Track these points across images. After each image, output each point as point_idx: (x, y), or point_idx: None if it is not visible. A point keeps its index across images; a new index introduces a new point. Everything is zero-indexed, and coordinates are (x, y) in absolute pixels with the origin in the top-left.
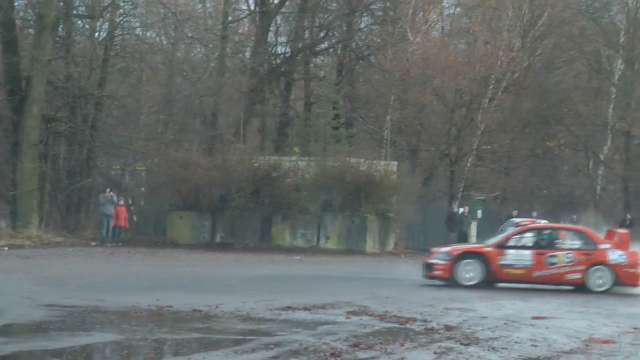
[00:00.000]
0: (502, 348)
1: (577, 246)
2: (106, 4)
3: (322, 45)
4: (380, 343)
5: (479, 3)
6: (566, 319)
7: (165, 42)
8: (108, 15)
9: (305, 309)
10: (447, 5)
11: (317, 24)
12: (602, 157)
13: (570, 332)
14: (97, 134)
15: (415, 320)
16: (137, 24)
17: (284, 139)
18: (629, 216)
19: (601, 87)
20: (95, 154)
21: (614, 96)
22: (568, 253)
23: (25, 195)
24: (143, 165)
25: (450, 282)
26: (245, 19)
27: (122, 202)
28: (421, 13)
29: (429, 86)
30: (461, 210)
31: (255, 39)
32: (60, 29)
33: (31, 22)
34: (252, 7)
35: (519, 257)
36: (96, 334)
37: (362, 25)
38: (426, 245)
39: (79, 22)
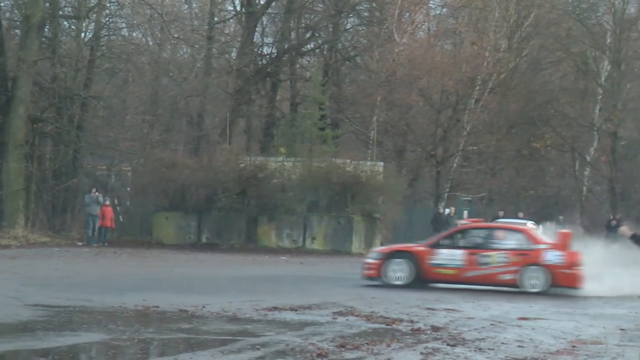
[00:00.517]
0: (489, 349)
1: (512, 246)
2: (92, 5)
3: (308, 46)
4: (367, 343)
5: (465, 4)
6: (552, 320)
7: (151, 43)
8: (94, 15)
9: (292, 309)
10: (433, 6)
11: (303, 24)
12: (588, 158)
13: (556, 333)
14: (83, 134)
15: (401, 320)
16: (123, 25)
17: (270, 139)
18: (617, 216)
19: (588, 88)
20: (81, 154)
21: (600, 97)
22: (502, 253)
23: (11, 196)
24: (129, 166)
25: (380, 281)
26: (231, 20)
27: (108, 203)
28: (407, 14)
29: (415, 87)
30: (447, 210)
31: (242, 40)
32: (46, 29)
33: (17, 23)
34: (238, 8)
35: (450, 257)
36: (83, 334)
37: (348, 26)
38: None
39: (65, 22)
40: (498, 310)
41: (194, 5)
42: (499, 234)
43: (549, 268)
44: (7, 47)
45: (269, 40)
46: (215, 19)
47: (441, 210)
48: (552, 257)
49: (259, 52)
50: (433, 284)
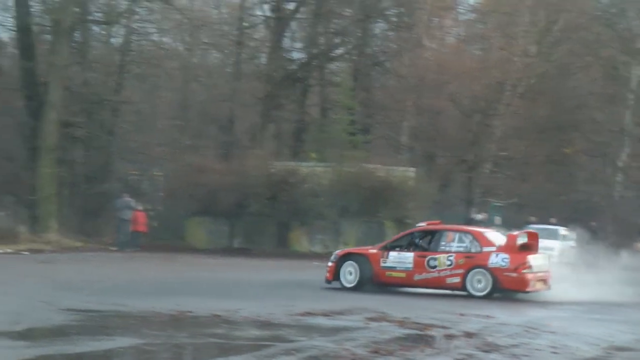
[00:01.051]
0: (523, 355)
1: (460, 249)
2: (122, 10)
3: (337, 51)
4: (401, 349)
5: (493, 9)
6: (584, 326)
7: (181, 48)
8: (124, 21)
9: (324, 314)
10: (462, 11)
11: (332, 29)
12: (619, 163)
13: (589, 339)
14: (114, 139)
15: (434, 326)
16: (153, 30)
17: (301, 144)
18: None
19: (617, 93)
20: (112, 159)
21: (631, 102)
22: (450, 256)
23: (44, 200)
24: (160, 171)
25: (335, 283)
26: (260, 25)
27: (140, 207)
28: (436, 19)
29: (445, 92)
30: (478, 217)
31: (271, 45)
32: (76, 34)
33: (48, 28)
34: (267, 13)
35: (400, 260)
36: (117, 339)
37: (377, 31)
38: None
39: (95, 27)
40: (531, 316)
41: (223, 10)
42: (449, 236)
43: (494, 271)
44: (38, 52)
45: (298, 45)
46: (245, 24)
47: (472, 216)
48: (498, 260)
49: (288, 57)
50: (393, 289)
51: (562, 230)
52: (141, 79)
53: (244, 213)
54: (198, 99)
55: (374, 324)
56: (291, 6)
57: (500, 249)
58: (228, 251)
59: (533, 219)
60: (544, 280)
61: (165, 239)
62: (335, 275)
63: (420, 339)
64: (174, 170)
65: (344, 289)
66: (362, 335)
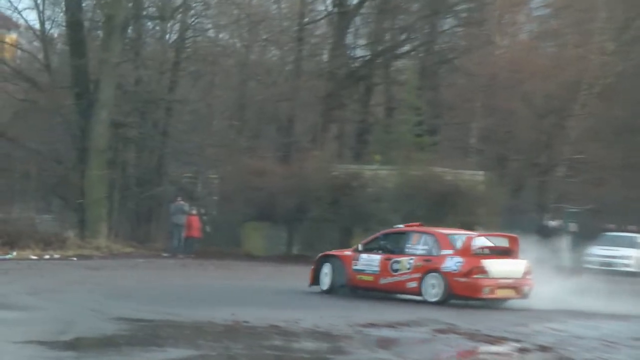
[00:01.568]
0: None
1: (422, 251)
2: (177, 5)
3: (403, 48)
4: None
5: (568, 4)
6: None
7: (238, 45)
8: (179, 16)
9: (389, 326)
10: (535, 7)
11: (397, 25)
12: None
13: None
14: (167, 140)
15: (506, 339)
16: (210, 26)
17: (364, 146)
18: None
19: None
20: (166, 160)
21: None
22: (411, 259)
23: (93, 204)
24: (216, 173)
25: (316, 287)
26: (322, 20)
27: (194, 212)
28: (508, 15)
29: (517, 91)
30: (552, 223)
31: (333, 41)
32: (129, 30)
33: (99, 24)
34: (330, 8)
35: (369, 262)
36: (170, 350)
37: (446, 27)
38: None
39: (149, 23)
40: (608, 329)
41: (283, 5)
42: (415, 238)
43: (446, 276)
44: (89, 49)
45: (361, 41)
46: (306, 19)
47: (546, 223)
48: (451, 264)
49: (352, 54)
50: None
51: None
52: (196, 77)
53: (304, 218)
54: (256, 98)
55: (441, 337)
56: (355, 1)
57: (457, 253)
58: (286, 258)
59: (611, 226)
60: (515, 288)
61: (220, 245)
62: (315, 278)
63: (492, 353)
64: (230, 173)
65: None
66: (429, 349)
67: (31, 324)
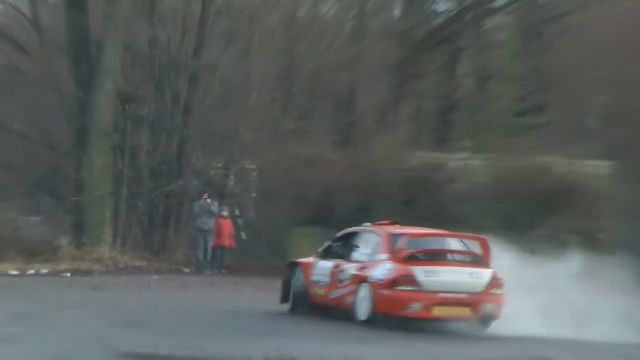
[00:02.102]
0: None
1: (364, 257)
2: None
3: (500, 1)
4: None
5: None
6: None
7: None
8: None
9: None
10: None
11: None
12: None
13: None
14: (191, 119)
15: None
16: None
17: (449, 129)
18: None
19: None
20: (189, 146)
21: None
22: (352, 267)
23: (94, 203)
24: (254, 163)
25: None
26: None
27: (225, 214)
28: None
29: None
30: None
31: None
32: None
33: None
34: None
35: (323, 272)
36: None
37: None
38: None
39: None
40: None
41: None
42: (364, 238)
43: (373, 287)
44: (90, 1)
45: None
46: None
47: None
48: (379, 272)
49: (432, 9)
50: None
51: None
52: (229, 39)
53: (370, 222)
54: (306, 67)
55: None
56: None
57: (391, 257)
58: None
59: None
60: (471, 306)
61: (260, 256)
62: (287, 293)
63: None
64: (273, 163)
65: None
66: None
67: None
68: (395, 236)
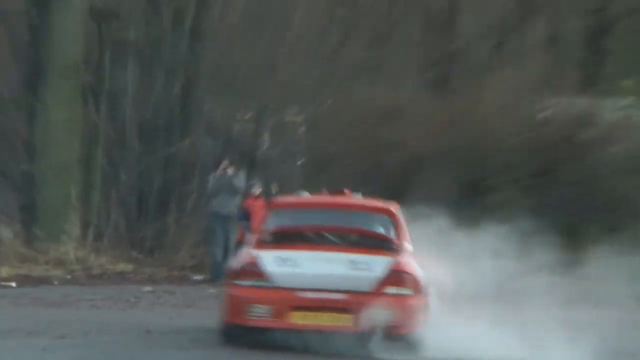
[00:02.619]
0: None
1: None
2: None
3: None
4: None
5: None
6: None
7: None
8: None
9: None
10: None
11: None
12: None
13: None
14: (202, 49)
15: None
16: None
17: (601, 62)
18: None
19: None
20: (199, 89)
21: None
22: None
23: (53, 175)
24: (300, 115)
25: None
26: None
27: (256, 191)
28: None
29: None
30: None
31: None
32: None
33: None
34: None
35: None
36: None
37: None
38: None
39: None
40: None
41: None
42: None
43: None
44: None
45: None
46: None
47: None
48: (233, 263)
49: None
50: None
51: None
52: None
53: (477, 204)
54: None
55: None
56: None
57: (255, 240)
58: None
59: None
60: (351, 312)
61: None
62: None
63: None
64: (329, 116)
65: None
66: None
67: None
68: (273, 210)
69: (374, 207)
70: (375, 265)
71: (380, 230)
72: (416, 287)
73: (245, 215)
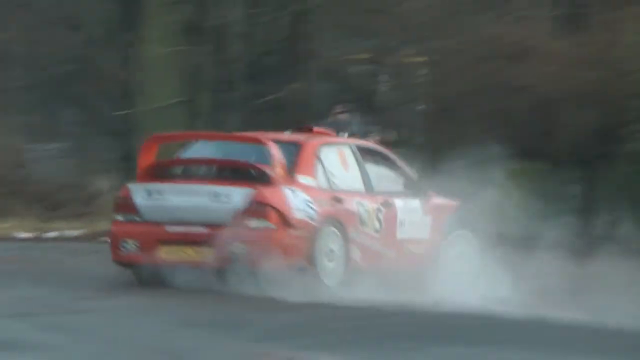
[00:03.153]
0: None
1: None
2: None
3: None
4: None
5: None
6: None
7: None
8: None
9: None
10: None
11: None
12: None
13: None
14: None
15: None
16: None
17: None
18: None
19: None
20: (312, 25)
21: None
22: None
23: (153, 120)
24: (422, 54)
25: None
26: None
27: (374, 139)
28: None
29: None
30: None
31: None
32: None
33: None
34: None
35: None
36: None
37: None
38: None
39: None
40: None
41: None
42: None
43: None
44: None
45: None
46: None
47: None
48: None
49: None
50: None
51: None
52: None
53: (616, 156)
54: None
55: None
56: None
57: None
58: (581, 242)
59: None
60: (210, 245)
61: None
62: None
63: None
64: (454, 54)
65: None
66: None
67: None
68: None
69: (250, 137)
70: (236, 196)
71: (255, 161)
72: (282, 220)
73: None
